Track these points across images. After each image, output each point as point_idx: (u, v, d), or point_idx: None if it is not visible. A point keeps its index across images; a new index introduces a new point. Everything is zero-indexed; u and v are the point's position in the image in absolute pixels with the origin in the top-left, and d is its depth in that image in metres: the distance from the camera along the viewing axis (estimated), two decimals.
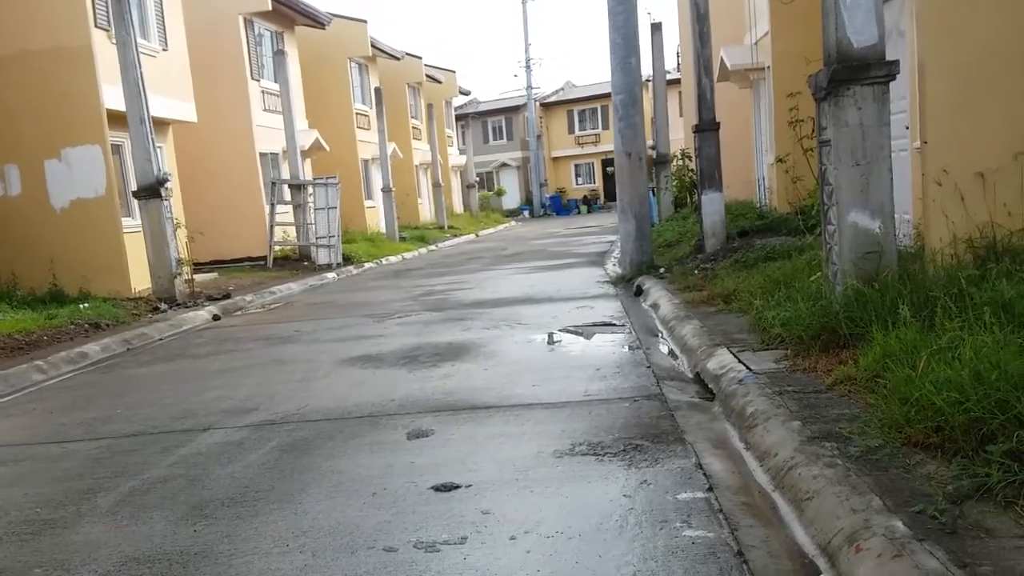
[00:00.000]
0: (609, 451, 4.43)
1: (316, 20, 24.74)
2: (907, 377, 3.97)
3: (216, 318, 12.47)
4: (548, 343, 7.99)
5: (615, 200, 51.01)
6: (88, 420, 6.46)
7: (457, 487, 4.05)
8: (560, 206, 50.84)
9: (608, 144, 53.82)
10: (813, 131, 7.15)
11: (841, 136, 5.78)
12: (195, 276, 16.50)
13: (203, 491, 4.39)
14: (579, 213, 48.76)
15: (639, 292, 10.81)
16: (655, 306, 9.40)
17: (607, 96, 54.76)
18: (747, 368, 5.50)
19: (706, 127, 12.34)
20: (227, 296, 14.14)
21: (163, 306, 13.09)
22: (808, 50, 13.11)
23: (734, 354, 5.97)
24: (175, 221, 14.01)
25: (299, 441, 5.22)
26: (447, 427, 5.22)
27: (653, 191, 22.22)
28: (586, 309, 10.04)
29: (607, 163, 54.64)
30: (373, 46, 29.53)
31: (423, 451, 4.77)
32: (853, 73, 5.71)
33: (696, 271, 10.57)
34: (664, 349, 7.33)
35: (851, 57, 5.73)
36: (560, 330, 8.67)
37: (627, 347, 7.47)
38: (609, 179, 54.80)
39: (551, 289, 12.36)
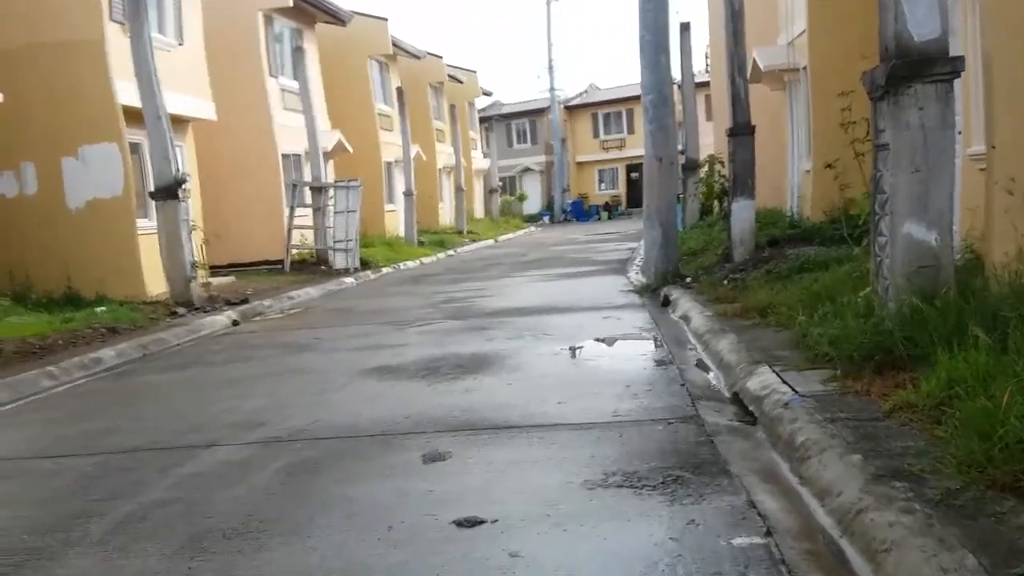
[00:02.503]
0: (647, 483, 4.02)
1: (336, 17, 24.44)
2: (985, 409, 3.53)
3: (235, 323, 12.15)
4: (574, 356, 7.59)
5: (637, 207, 50.53)
6: (90, 432, 6.13)
7: (481, 522, 3.65)
8: (581, 211, 50.36)
9: (633, 149, 53.16)
10: (868, 134, 6.70)
11: (900, 139, 5.34)
12: (212, 280, 16.27)
13: (202, 519, 4.02)
14: (600, 219, 48.27)
15: (666, 302, 10.38)
16: (686, 318, 8.97)
17: (632, 99, 54.37)
18: (792, 389, 5.07)
19: (740, 130, 11.90)
20: (245, 301, 13.84)
21: (181, 310, 12.80)
22: (849, 48, 12.66)
23: (777, 373, 5.54)
24: (191, 223, 13.72)
25: (308, 462, 4.85)
26: (466, 450, 4.82)
27: (679, 198, 21.76)
28: (612, 320, 9.62)
29: (632, 168, 54.00)
30: (394, 44, 29.19)
31: (441, 477, 4.38)
32: (914, 70, 5.27)
33: (726, 281, 10.14)
34: (697, 364, 6.89)
35: (912, 52, 5.30)
36: (587, 342, 8.27)
37: (658, 362, 7.05)
38: (633, 185, 54.20)
39: (574, 298, 11.95)
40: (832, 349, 5.46)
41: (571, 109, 55.30)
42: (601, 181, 55.72)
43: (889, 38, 5.41)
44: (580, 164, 55.36)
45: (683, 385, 6.05)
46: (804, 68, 14.30)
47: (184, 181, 13.29)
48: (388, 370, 7.48)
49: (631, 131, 53.54)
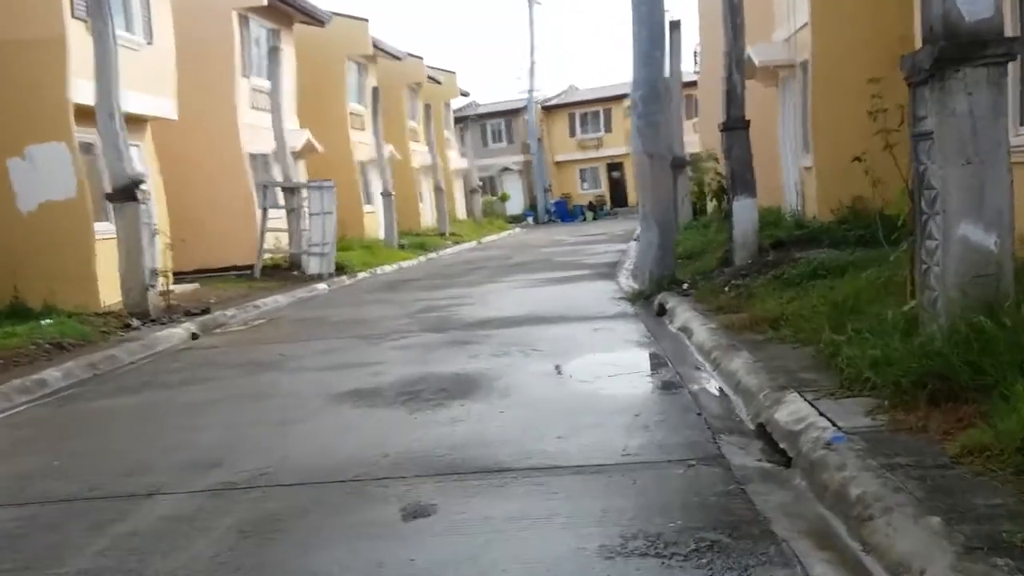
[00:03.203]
0: (676, 551, 3.28)
1: (315, 18, 23.60)
2: None
3: (195, 337, 11.29)
4: (570, 377, 6.85)
5: (622, 206, 49.83)
6: (21, 474, 5.31)
7: None
8: (566, 212, 49.57)
9: (612, 148, 52.73)
10: (901, 123, 6.01)
11: (947, 128, 4.64)
12: (174, 287, 15.36)
13: None
14: (584, 220, 47.49)
15: (662, 311, 9.66)
16: (686, 330, 8.24)
17: (609, 99, 54.01)
18: (832, 424, 4.35)
19: (734, 125, 11.20)
20: (206, 311, 12.95)
21: (135, 322, 11.89)
22: (853, 42, 12.05)
23: (809, 402, 4.82)
24: (152, 227, 12.85)
25: (266, 518, 4.07)
26: (453, 501, 4.07)
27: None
28: (606, 332, 8.90)
29: (612, 167, 53.54)
30: (374, 45, 28.37)
31: (425, 540, 3.63)
32: (964, 51, 4.57)
33: (727, 288, 9.42)
34: (710, 387, 6.17)
35: (961, 33, 4.60)
36: (581, 359, 7.55)
37: (666, 384, 6.33)
38: (615, 184, 53.68)
39: (563, 306, 11.20)
40: (874, 373, 4.74)
41: (548, 109, 54.62)
42: (583, 180, 55.04)
43: (935, 18, 4.70)
44: (559, 163, 54.67)
45: (699, 414, 5.32)
46: (802, 63, 13.66)
47: (141, 181, 12.42)
48: (362, 394, 6.70)
49: (608, 130, 53.16)
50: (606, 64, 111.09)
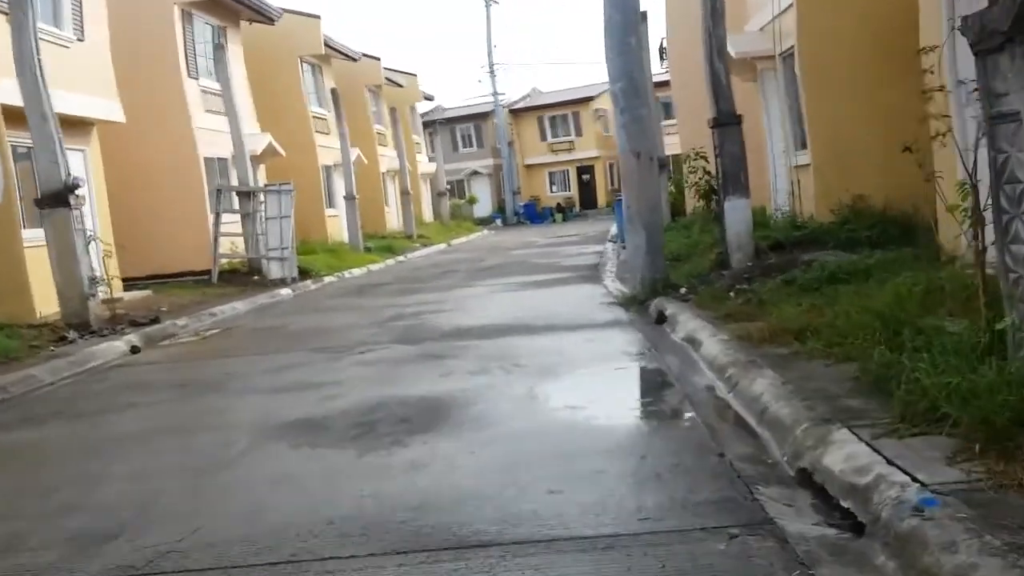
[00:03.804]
0: None
1: (263, 14, 22.37)
2: None
3: (135, 350, 10.10)
4: (559, 402, 5.78)
5: (590, 208, 49.23)
6: None
7: None
8: (535, 214, 48.73)
9: (583, 151, 52.13)
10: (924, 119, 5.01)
11: None
12: (124, 295, 14.18)
13: None
14: (554, 221, 46.63)
15: (661, 319, 8.63)
16: (692, 341, 7.21)
17: (577, 102, 53.23)
18: (912, 478, 3.32)
19: (726, 120, 10.21)
20: (155, 321, 11.76)
21: (72, 334, 10.70)
22: (844, 27, 11.08)
23: (867, 443, 3.79)
24: (88, 233, 11.65)
25: None
26: None
27: None
28: (599, 343, 7.87)
29: (582, 171, 53.01)
30: (327, 45, 27.12)
31: None
32: None
33: (733, 293, 8.42)
34: (728, 415, 5.12)
35: None
36: (572, 377, 6.50)
37: (675, 413, 5.28)
38: (584, 186, 53.10)
39: (547, 313, 10.14)
40: (955, 406, 3.71)
41: (516, 112, 54.01)
42: (552, 183, 54.30)
43: None
44: (529, 167, 53.94)
45: (722, 456, 4.27)
46: (784, 53, 12.70)
47: (76, 187, 11.22)
48: (309, 427, 5.59)
49: (579, 133, 52.81)
50: (569, 66, 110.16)
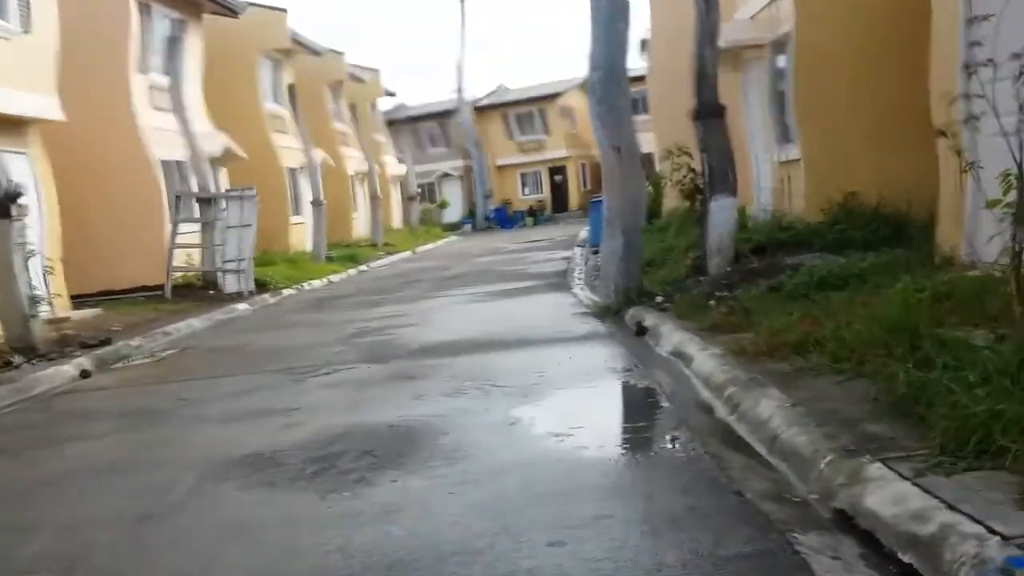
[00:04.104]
0: None
1: (226, 6, 21.46)
2: None
3: (85, 375, 9.36)
4: (545, 428, 5.22)
5: (562, 211, 48.31)
6: None
7: None
8: (505, 218, 47.95)
9: (553, 151, 51.24)
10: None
11: None
12: (72, 314, 13.38)
13: None
14: (525, 225, 45.96)
15: (641, 331, 8.10)
16: (681, 356, 6.69)
17: (543, 99, 52.13)
18: (986, 528, 2.80)
19: (709, 112, 9.72)
20: (107, 342, 11.00)
21: (17, 359, 9.93)
22: (841, 12, 10.67)
23: (912, 481, 3.28)
24: (28, 248, 10.86)
25: None
26: None
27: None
28: (580, 359, 7.32)
29: (555, 171, 52.11)
30: (293, 38, 26.30)
31: None
32: None
33: (714, 302, 7.92)
34: (734, 442, 4.57)
35: None
36: (555, 398, 5.95)
37: (675, 440, 4.74)
38: (556, 188, 52.26)
39: (520, 325, 9.58)
40: (1011, 438, 3.22)
41: (481, 110, 52.35)
42: (524, 185, 53.25)
43: None
44: (501, 168, 52.83)
45: (739, 494, 3.74)
46: (774, 42, 12.28)
47: (17, 195, 10.48)
48: (263, 462, 4.98)
49: (547, 132, 51.57)
50: (534, 63, 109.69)
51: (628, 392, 6.14)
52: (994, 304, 4.81)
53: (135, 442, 6.06)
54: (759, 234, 10.57)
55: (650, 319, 8.20)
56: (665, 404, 5.49)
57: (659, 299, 9.05)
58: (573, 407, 5.73)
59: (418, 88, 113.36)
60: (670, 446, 4.66)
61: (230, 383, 7.90)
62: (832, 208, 9.82)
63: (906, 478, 3.34)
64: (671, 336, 7.32)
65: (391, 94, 43.43)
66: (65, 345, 10.84)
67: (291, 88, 24.44)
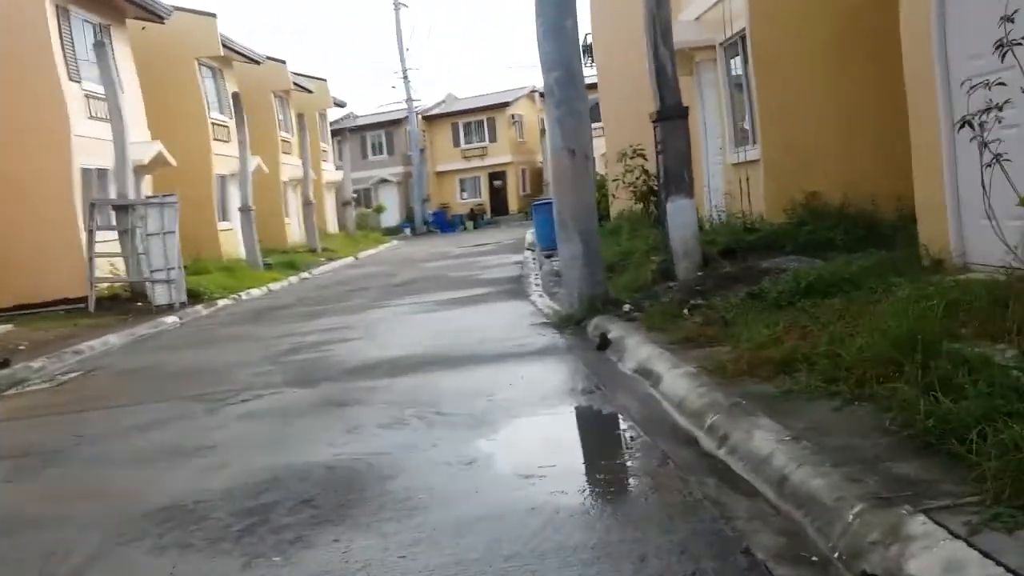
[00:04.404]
0: None
1: (150, 11, 20.45)
2: None
3: None
4: (502, 468, 4.53)
5: (501, 214, 48.19)
6: None
7: None
8: (444, 222, 47.35)
9: (495, 157, 51.18)
10: None
11: None
12: None
13: None
14: (465, 229, 45.36)
15: (604, 343, 7.45)
16: (647, 373, 6.04)
17: (492, 107, 52.04)
18: None
19: (671, 113, 9.17)
20: (4, 364, 9.98)
21: None
22: (795, 10, 10.25)
23: (974, 546, 2.66)
24: None
25: None
26: None
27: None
28: (535, 379, 6.65)
29: (494, 176, 52.11)
30: (225, 46, 25.38)
31: None
32: None
33: (687, 311, 7.31)
34: (727, 484, 3.91)
35: None
36: (509, 428, 5.26)
37: (658, 484, 4.06)
38: (495, 193, 52.17)
39: (471, 338, 8.86)
40: None
41: (430, 119, 52.71)
42: (463, 190, 53.03)
43: None
44: (440, 174, 52.54)
45: (747, 552, 3.09)
46: (724, 43, 11.83)
47: None
48: (181, 516, 4.18)
49: (492, 139, 51.90)
50: (482, 71, 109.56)
51: (594, 420, 5.46)
52: (1019, 313, 4.26)
53: (19, 493, 5.17)
54: (721, 236, 10.05)
55: (615, 330, 7.56)
56: (640, 434, 4.82)
57: (627, 307, 8.41)
58: (535, 441, 5.05)
59: (376, 98, 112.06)
60: (656, 489, 3.98)
61: (136, 414, 6.99)
62: (795, 208, 9.34)
63: (959, 536, 2.72)
64: (636, 350, 6.69)
65: (340, 104, 43.29)
66: None
67: (236, 97, 23.76)
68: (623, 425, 5.09)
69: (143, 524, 4.15)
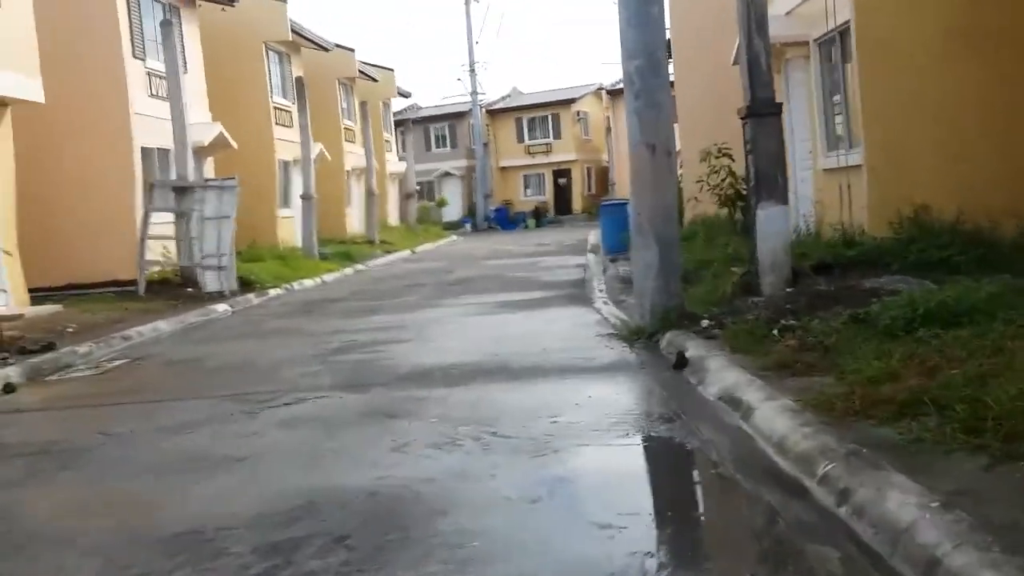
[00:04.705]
0: None
1: None
2: None
3: (8, 389, 7.90)
4: (582, 514, 3.81)
5: (566, 214, 47.28)
6: None
7: None
8: (506, 219, 46.57)
9: (560, 155, 50.32)
10: None
11: None
12: (26, 310, 11.96)
13: None
14: (527, 227, 44.56)
15: (681, 362, 6.68)
16: (736, 403, 5.26)
17: (557, 104, 51.26)
18: None
19: (764, 109, 8.35)
20: (50, 347, 9.61)
21: None
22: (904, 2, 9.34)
23: None
24: None
25: None
26: None
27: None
28: (605, 400, 5.91)
29: (559, 174, 51.24)
30: (294, 31, 25.11)
31: None
32: None
33: (777, 331, 6.50)
34: (862, 548, 3.17)
35: None
36: (579, 459, 4.56)
37: (779, 546, 3.33)
38: (560, 191, 51.31)
39: (534, 347, 8.14)
40: None
41: (493, 113, 52.01)
42: (527, 187, 52.26)
43: None
44: (504, 169, 51.85)
45: None
46: (819, 39, 10.94)
47: None
48: (193, 549, 3.57)
49: (557, 136, 51.08)
50: (548, 67, 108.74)
51: (678, 456, 4.72)
52: None
53: (27, 501, 4.64)
54: (812, 249, 9.16)
55: (694, 348, 6.79)
56: (736, 478, 4.08)
57: (705, 323, 7.63)
58: (609, 476, 4.32)
59: (439, 90, 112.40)
60: (769, 559, 3.24)
61: (173, 411, 6.47)
62: (901, 222, 8.41)
63: None
64: (721, 374, 5.91)
65: (405, 95, 42.73)
66: (5, 348, 9.47)
67: (299, 81, 23.49)
68: (714, 465, 4.34)
69: (152, 554, 3.57)
